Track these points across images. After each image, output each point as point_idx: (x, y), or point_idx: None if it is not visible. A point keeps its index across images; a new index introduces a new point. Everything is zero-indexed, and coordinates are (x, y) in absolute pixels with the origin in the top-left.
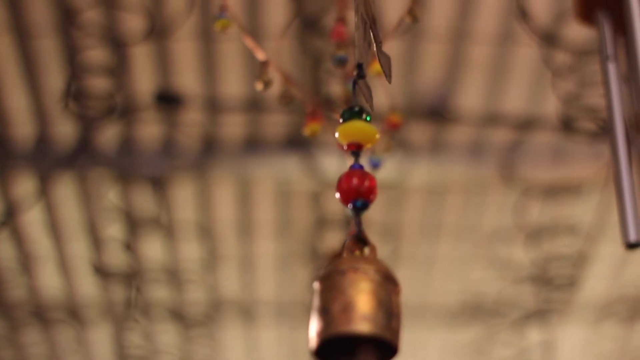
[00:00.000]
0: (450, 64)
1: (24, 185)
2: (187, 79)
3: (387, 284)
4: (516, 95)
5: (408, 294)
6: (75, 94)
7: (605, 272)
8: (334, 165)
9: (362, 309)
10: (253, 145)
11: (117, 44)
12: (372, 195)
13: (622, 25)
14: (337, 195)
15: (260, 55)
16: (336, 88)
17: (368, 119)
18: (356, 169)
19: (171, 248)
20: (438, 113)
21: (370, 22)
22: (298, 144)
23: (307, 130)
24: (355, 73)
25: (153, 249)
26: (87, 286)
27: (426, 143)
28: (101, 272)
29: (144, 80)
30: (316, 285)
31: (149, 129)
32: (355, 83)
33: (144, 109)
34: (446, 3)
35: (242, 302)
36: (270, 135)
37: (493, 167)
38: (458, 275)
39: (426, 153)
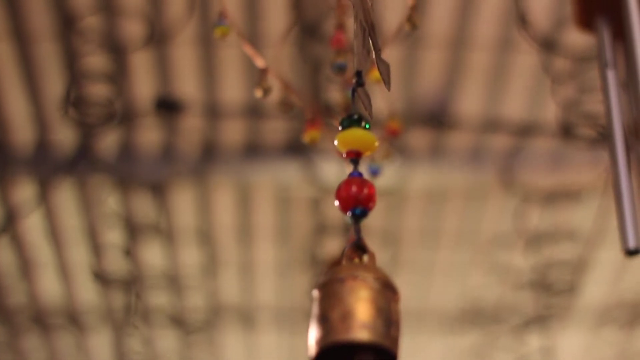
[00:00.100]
0: (450, 70)
1: (24, 191)
2: (187, 85)
3: (386, 291)
4: (515, 102)
5: (408, 300)
6: (75, 100)
7: (605, 277)
8: (334, 171)
9: (361, 317)
10: (253, 151)
11: (117, 50)
12: (371, 203)
13: (621, 32)
14: (337, 203)
15: (260, 63)
16: (335, 95)
17: (367, 126)
18: (355, 176)
19: (171, 254)
20: (437, 119)
21: (369, 29)
22: (298, 150)
23: (306, 138)
24: (354, 80)
25: (153, 255)
26: (87, 292)
27: (426, 149)
28: (101, 278)
29: (143, 87)
30: (315, 293)
31: (149, 135)
32: (354, 91)
33: (143, 115)
34: (445, 9)
35: (242, 307)
36: (269, 141)
37: (492, 173)
38: (458, 280)
39: (426, 159)
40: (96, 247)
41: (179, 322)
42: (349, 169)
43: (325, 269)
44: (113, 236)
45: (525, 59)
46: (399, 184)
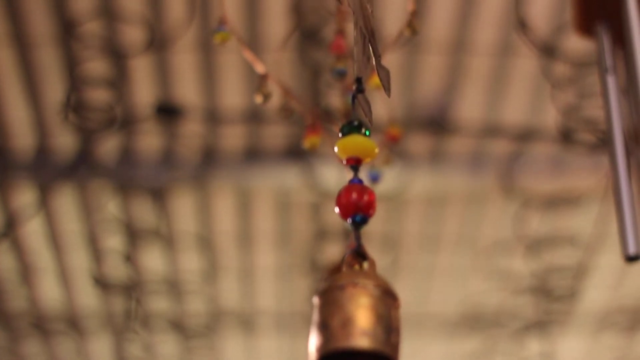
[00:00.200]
0: (450, 75)
1: (24, 196)
2: (187, 90)
3: (387, 298)
4: (515, 107)
5: (408, 305)
6: (75, 105)
7: (605, 282)
8: (334, 176)
9: (361, 324)
10: (253, 156)
11: (117, 55)
12: (371, 210)
13: (621, 37)
14: (337, 210)
15: (260, 69)
16: (336, 100)
17: (367, 133)
18: (355, 183)
19: (171, 259)
20: (437, 124)
21: (370, 36)
22: (298, 155)
23: (306, 143)
24: (354, 87)
25: (153, 260)
26: (87, 297)
27: (426, 154)
28: (101, 283)
29: (143, 92)
30: (315, 300)
31: (149, 140)
32: (354, 97)
33: (144, 120)
34: (445, 14)
35: (242, 312)
36: (269, 147)
37: (492, 178)
38: (458, 285)
39: (426, 164)
40: (96, 252)
41: (179, 327)
42: (349, 174)
43: (325, 274)
44: (113, 241)
45: (525, 64)
46: (399, 188)
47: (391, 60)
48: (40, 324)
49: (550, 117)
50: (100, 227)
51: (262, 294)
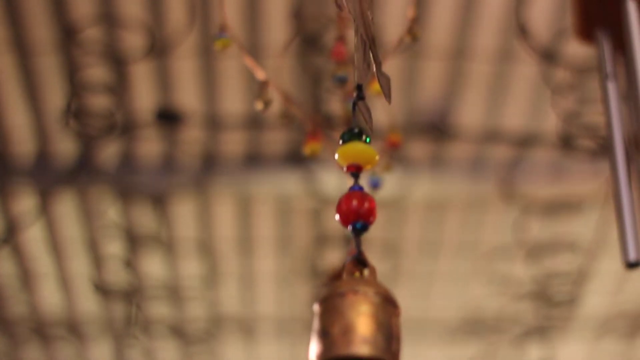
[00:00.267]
0: (450, 81)
1: (25, 202)
2: (187, 96)
3: (387, 306)
4: (516, 112)
5: (408, 310)
6: (75, 111)
7: (605, 288)
8: (334, 182)
9: (362, 332)
10: (253, 162)
11: (117, 61)
12: (371, 218)
13: (621, 43)
14: (337, 217)
15: (260, 75)
16: (336, 106)
17: (368, 140)
18: (356, 190)
19: (171, 265)
20: (438, 130)
21: (370, 43)
22: (298, 161)
23: (307, 150)
24: (355, 94)
25: (153, 266)
26: (88, 303)
27: (426, 159)
28: (101, 288)
29: (144, 98)
30: (316, 307)
31: (150, 146)
32: (355, 104)
33: (144, 126)
34: (446, 20)
35: (242, 318)
36: (270, 152)
37: (493, 184)
38: (458, 291)
39: (426, 169)
40: (97, 258)
41: (179, 333)
42: (349, 181)
43: (325, 279)
44: (113, 247)
45: (526, 70)
46: (400, 194)
47: (391, 65)
48: (41, 330)
49: (551, 123)
50: (100, 233)
51: (262, 300)
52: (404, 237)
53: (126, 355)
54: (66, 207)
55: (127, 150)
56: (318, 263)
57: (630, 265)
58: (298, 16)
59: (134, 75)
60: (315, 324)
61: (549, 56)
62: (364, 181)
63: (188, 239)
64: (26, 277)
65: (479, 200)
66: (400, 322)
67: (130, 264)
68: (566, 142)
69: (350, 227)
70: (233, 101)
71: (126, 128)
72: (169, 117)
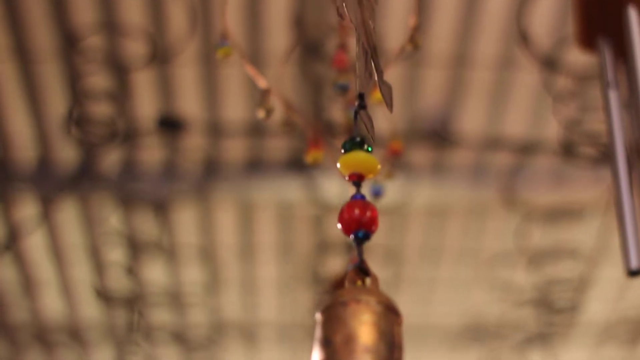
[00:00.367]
0: (452, 88)
1: (26, 209)
2: (189, 103)
3: (389, 314)
4: (517, 120)
5: (410, 317)
6: (77, 119)
7: (607, 295)
8: (336, 189)
9: (364, 341)
10: (255, 169)
11: (119, 69)
12: (373, 226)
13: (623, 51)
14: (339, 226)
15: (262, 83)
16: (338, 114)
17: (369, 149)
18: (358, 199)
19: (173, 271)
20: (439, 137)
21: (372, 51)
22: (300, 167)
23: (309, 158)
24: (356, 103)
25: (155, 273)
26: (89, 309)
27: (427, 166)
28: (103, 295)
29: (146, 105)
30: (318, 316)
31: (151, 153)
32: (356, 113)
33: (146, 133)
34: (447, 28)
35: (244, 325)
36: (272, 159)
37: (494, 191)
38: (460, 298)
39: (427, 176)
40: (99, 264)
41: (181, 339)
42: (351, 187)
43: (327, 286)
44: (115, 254)
45: (527, 77)
46: (401, 201)
47: (393, 73)
48: (43, 336)
49: (552, 130)
50: (102, 240)
51: (264, 306)
52: (406, 244)
53: None
54: (68, 214)
55: (129, 157)
56: (319, 270)
57: (632, 274)
58: (299, 24)
59: (135, 83)
60: (318, 332)
61: (550, 64)
62: (366, 189)
63: (190, 245)
64: (28, 284)
65: (481, 207)
66: (403, 330)
67: (131, 270)
68: (567, 150)
69: (352, 236)
70: (235, 108)
71: (128, 135)
72: (170, 125)
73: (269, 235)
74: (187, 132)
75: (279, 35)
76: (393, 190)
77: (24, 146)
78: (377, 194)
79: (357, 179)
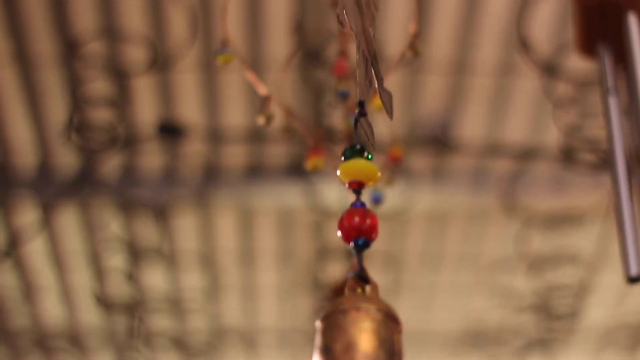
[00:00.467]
0: (452, 94)
1: (27, 215)
2: (189, 109)
3: (389, 322)
4: (517, 126)
5: (410, 323)
6: (78, 124)
7: (607, 301)
8: (336, 195)
9: (364, 348)
10: (255, 175)
11: (119, 75)
12: (373, 234)
13: (623, 58)
14: (339, 233)
15: (262, 90)
16: (338, 120)
17: (370, 157)
18: (358, 207)
19: (173, 277)
20: (439, 142)
21: (372, 59)
22: (300, 173)
23: (309, 165)
24: (356, 110)
25: (155, 279)
26: (90, 315)
27: (427, 172)
28: (103, 301)
29: (146, 111)
30: (318, 324)
31: (152, 159)
32: (356, 121)
33: (146, 139)
34: (447, 34)
35: (244, 330)
36: (272, 165)
37: (494, 197)
38: (460, 303)
39: (428, 182)
40: (99, 270)
41: (181, 345)
42: (351, 194)
43: (327, 292)
44: (116, 259)
45: (527, 84)
46: (401, 207)
47: (393, 79)
48: (43, 342)
49: (552, 136)
50: (102, 246)
51: (264, 312)
52: (406, 250)
53: None
54: (68, 220)
55: (129, 163)
56: (319, 275)
57: (632, 280)
58: (300, 31)
59: (136, 89)
60: (318, 340)
61: (550, 70)
62: (366, 196)
63: (190, 251)
64: (28, 290)
65: (481, 212)
66: (402, 338)
67: (132, 276)
68: (567, 156)
69: (352, 244)
70: (235, 115)
71: (128, 141)
72: (171, 131)
73: (269, 242)
74: (187, 138)
75: (279, 42)
76: (393, 196)
77: (24, 152)
78: (377, 200)
79: (357, 187)
